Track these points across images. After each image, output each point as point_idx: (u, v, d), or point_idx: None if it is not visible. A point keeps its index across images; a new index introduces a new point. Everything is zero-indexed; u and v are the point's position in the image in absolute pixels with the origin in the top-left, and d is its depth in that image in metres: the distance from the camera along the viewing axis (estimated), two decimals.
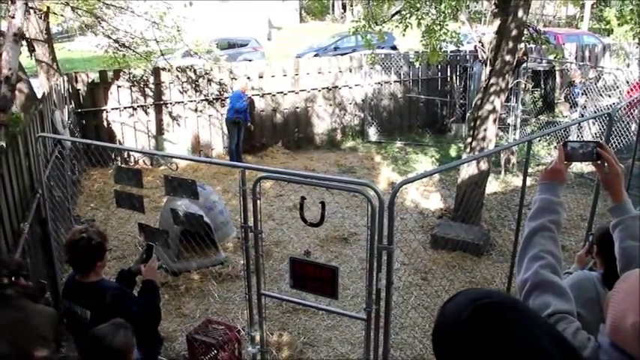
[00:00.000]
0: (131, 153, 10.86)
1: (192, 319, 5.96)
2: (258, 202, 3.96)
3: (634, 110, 9.66)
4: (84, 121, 10.58)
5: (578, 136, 10.98)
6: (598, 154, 2.11)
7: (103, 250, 3.43)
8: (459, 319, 1.20)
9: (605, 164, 2.11)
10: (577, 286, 2.72)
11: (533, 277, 1.88)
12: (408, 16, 9.19)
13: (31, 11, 9.09)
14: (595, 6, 27.85)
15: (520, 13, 7.25)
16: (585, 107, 11.02)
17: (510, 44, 7.38)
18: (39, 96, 8.74)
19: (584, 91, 11.27)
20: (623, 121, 9.66)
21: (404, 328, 5.81)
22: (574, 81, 11.83)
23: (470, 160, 7.71)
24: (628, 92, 10.78)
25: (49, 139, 7.04)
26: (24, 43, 9.03)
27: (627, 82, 11.18)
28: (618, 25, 14.06)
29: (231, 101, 10.82)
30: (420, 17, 9.05)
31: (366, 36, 10.20)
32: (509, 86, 8.61)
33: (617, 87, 11.23)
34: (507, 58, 7.42)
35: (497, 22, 7.74)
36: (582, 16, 30.04)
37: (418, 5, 8.93)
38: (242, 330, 5.31)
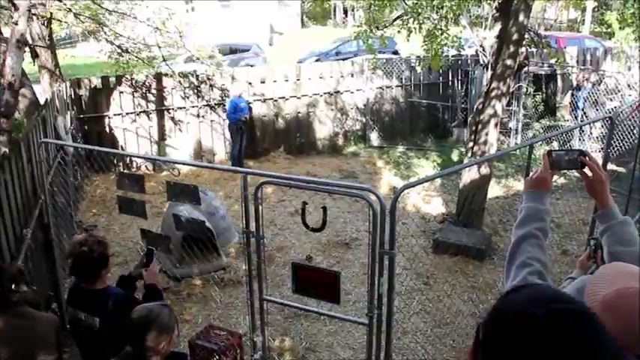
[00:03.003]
0: (133, 159, 10.86)
1: (194, 324, 5.96)
2: (260, 207, 3.98)
3: (637, 114, 9.67)
4: (86, 127, 10.60)
5: (580, 140, 10.98)
6: (582, 162, 2.14)
7: (106, 258, 3.43)
8: (532, 318, 1.18)
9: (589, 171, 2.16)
10: (582, 291, 2.73)
11: (521, 284, 1.91)
12: (411, 20, 9.20)
13: (34, 18, 9.14)
14: (596, 9, 27.87)
15: (521, 17, 7.25)
16: (597, 108, 10.98)
17: (511, 48, 7.38)
18: (42, 102, 8.77)
19: (590, 94, 11.24)
20: (625, 124, 9.66)
21: (406, 333, 5.81)
22: (581, 83, 11.76)
23: (471, 165, 7.71)
24: None
25: (52, 145, 7.06)
26: (27, 49, 9.08)
27: (629, 86, 11.18)
28: (620, 28, 14.09)
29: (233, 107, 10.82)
30: (421, 22, 9.05)
31: (367, 41, 10.21)
32: (511, 90, 8.62)
33: (619, 90, 11.24)
34: (508, 62, 7.43)
35: (498, 26, 7.76)
36: (584, 20, 30.03)
37: (419, 10, 8.93)
38: (244, 335, 5.31)
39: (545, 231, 2.09)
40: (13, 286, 3.16)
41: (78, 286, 3.50)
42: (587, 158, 2.14)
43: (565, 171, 2.37)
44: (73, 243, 3.45)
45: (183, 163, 9.03)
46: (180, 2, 20.18)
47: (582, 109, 11.28)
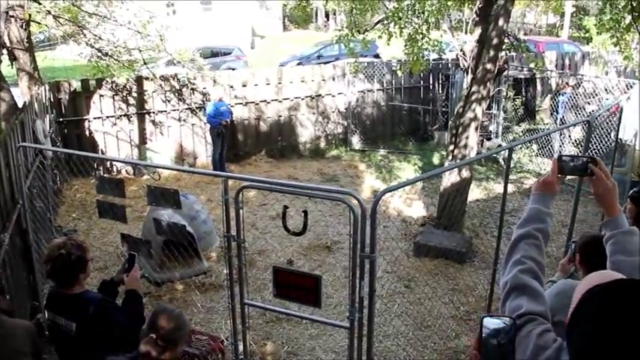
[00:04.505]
0: (114, 163, 10.78)
1: None
2: (241, 211, 3.96)
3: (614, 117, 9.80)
4: (66, 131, 10.49)
5: (560, 143, 11.11)
6: (592, 170, 2.15)
7: (85, 263, 3.37)
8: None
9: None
10: (563, 295, 2.76)
11: (512, 280, 1.96)
12: (392, 24, 9.25)
13: (12, 19, 9.03)
14: (575, 15, 28.28)
15: (501, 22, 7.33)
16: (576, 112, 11.11)
17: (491, 52, 7.46)
18: (20, 105, 8.67)
19: (569, 98, 11.38)
20: (602, 128, 9.78)
21: (387, 336, 5.82)
22: (562, 89, 11.89)
23: (452, 168, 7.76)
24: None
25: (30, 149, 6.98)
26: (5, 51, 8.97)
27: (606, 90, 11.34)
28: (597, 33, 14.28)
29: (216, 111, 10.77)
30: (402, 26, 9.10)
31: (349, 44, 10.25)
32: (491, 94, 8.70)
33: (597, 94, 11.40)
34: (488, 66, 7.50)
35: (479, 30, 7.83)
36: (562, 25, 30.44)
37: (400, 14, 8.98)
38: (225, 340, 5.29)
39: (546, 232, 2.11)
40: None
41: (57, 290, 3.46)
42: (597, 166, 2.14)
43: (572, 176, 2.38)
44: (51, 246, 3.40)
45: (164, 167, 8.97)
46: (161, 5, 20.08)
47: (562, 114, 11.42)
